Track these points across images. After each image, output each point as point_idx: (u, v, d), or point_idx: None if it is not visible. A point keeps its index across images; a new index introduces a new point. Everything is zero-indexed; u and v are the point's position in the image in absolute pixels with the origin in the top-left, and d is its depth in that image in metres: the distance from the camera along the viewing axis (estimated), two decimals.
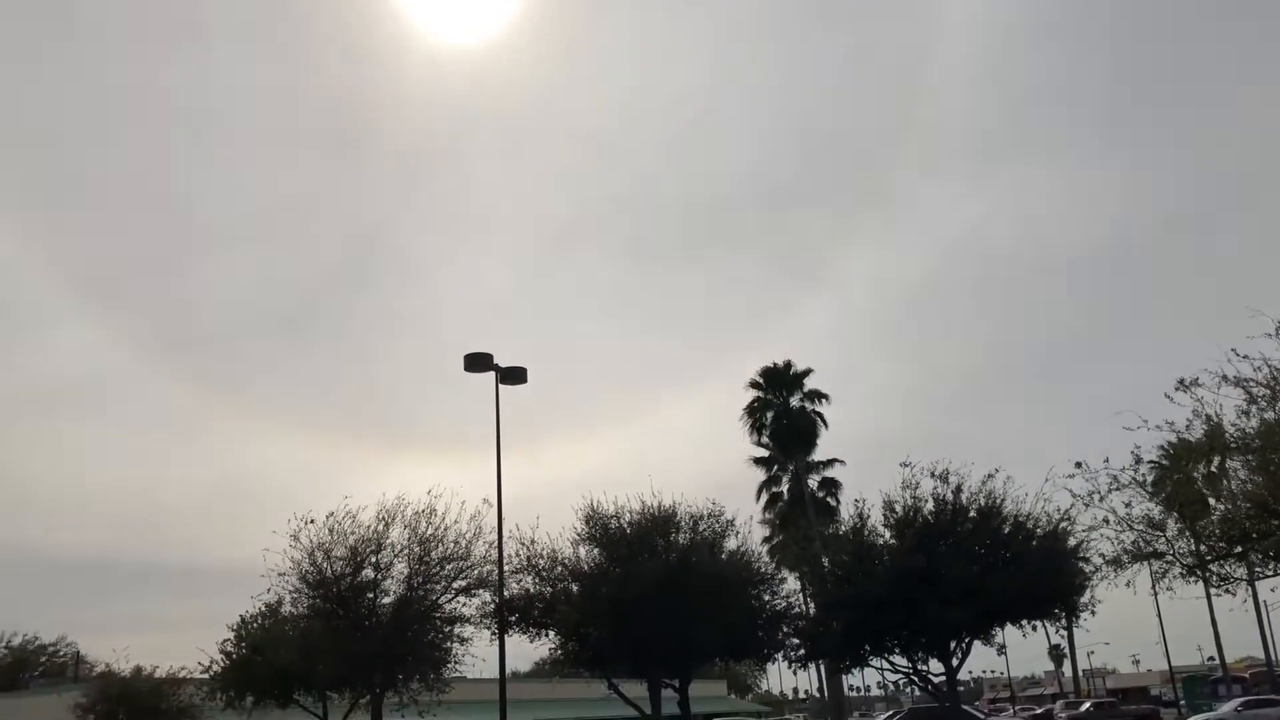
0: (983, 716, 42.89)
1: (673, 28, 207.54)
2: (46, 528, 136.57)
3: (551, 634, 27.57)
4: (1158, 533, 21.48)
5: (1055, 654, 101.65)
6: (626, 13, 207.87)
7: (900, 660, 26.82)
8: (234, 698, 31.22)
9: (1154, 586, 22.80)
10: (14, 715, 48.03)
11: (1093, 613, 25.99)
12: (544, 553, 27.42)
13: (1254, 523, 19.67)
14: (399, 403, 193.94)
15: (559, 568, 27.44)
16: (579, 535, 27.45)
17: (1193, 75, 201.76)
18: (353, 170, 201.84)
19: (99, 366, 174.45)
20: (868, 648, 26.62)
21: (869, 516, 26.52)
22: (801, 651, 28.70)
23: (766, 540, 45.61)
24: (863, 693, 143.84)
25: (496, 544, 26.36)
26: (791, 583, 30.27)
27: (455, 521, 27.01)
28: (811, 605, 29.52)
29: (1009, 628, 26.83)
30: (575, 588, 27.11)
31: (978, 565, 24.03)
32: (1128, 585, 22.47)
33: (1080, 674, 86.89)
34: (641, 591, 24.73)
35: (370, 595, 27.05)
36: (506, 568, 26.65)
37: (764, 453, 50.63)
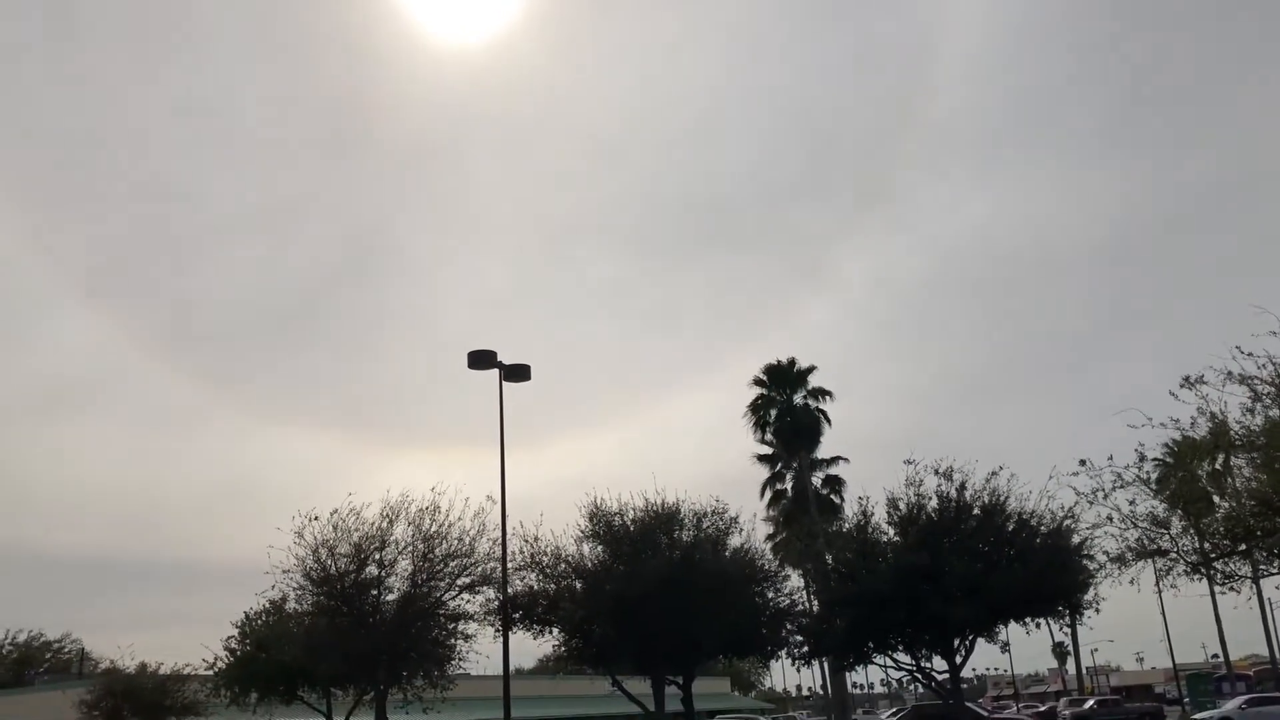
0: (986, 714, 42.84)
1: (674, 27, 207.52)
2: (49, 526, 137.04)
3: (555, 631, 27.57)
4: (1162, 530, 21.45)
5: (1059, 651, 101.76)
6: (628, 12, 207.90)
7: (904, 657, 26.80)
8: (238, 694, 31.31)
9: (1158, 584, 22.70)
10: (20, 711, 48.19)
11: (1096, 610, 25.95)
12: (548, 550, 27.43)
13: (1258, 520, 19.64)
14: (402, 400, 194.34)
15: (563, 565, 27.44)
16: (582, 532, 27.46)
17: (1195, 73, 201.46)
18: (354, 169, 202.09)
19: (101, 364, 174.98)
20: (871, 645, 26.59)
21: (873, 514, 26.49)
22: (805, 649, 28.66)
23: (770, 537, 45.60)
24: (866, 690, 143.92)
25: (500, 541, 26.40)
26: (795, 580, 30.25)
27: (459, 518, 27.09)
28: (815, 602, 29.50)
29: (1013, 625, 26.82)
30: (579, 585, 27.11)
31: (981, 563, 23.99)
32: (1131, 583, 22.44)
33: (1084, 671, 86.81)
34: (645, 589, 24.73)
35: (374, 592, 27.08)
36: (510, 565, 26.68)
37: (768, 450, 50.59)
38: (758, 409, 50.49)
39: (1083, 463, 21.67)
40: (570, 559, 27.48)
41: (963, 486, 25.24)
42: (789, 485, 49.99)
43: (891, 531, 26.08)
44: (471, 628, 27.85)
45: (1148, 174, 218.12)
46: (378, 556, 26.94)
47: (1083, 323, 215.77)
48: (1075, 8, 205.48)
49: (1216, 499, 21.44)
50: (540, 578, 27.54)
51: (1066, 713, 58.62)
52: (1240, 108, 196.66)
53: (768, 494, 50.20)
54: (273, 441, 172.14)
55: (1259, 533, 19.87)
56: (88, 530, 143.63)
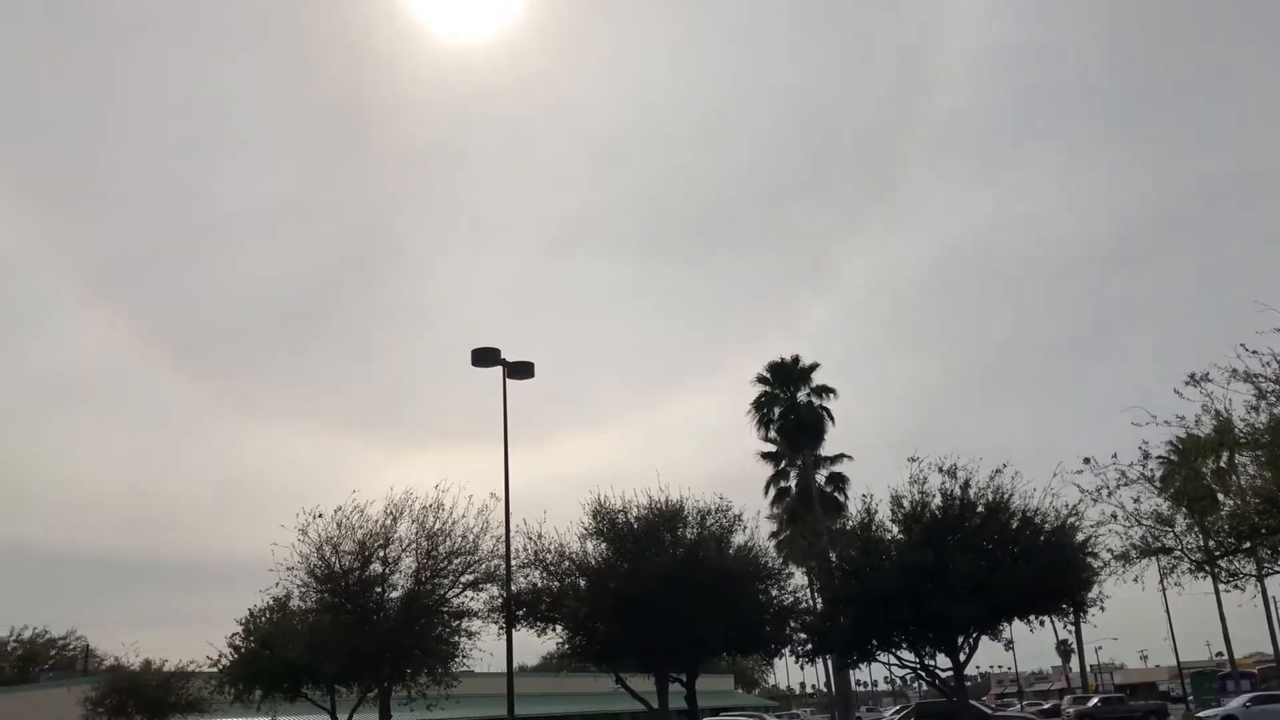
0: (990, 712, 42.81)
1: (675, 28, 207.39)
2: (53, 524, 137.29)
3: (559, 628, 27.59)
4: (1166, 528, 21.41)
5: (1063, 649, 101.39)
6: (629, 12, 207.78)
7: (907, 655, 26.78)
8: (242, 691, 31.30)
9: (1162, 582, 22.66)
10: (24, 708, 48.27)
11: (1101, 608, 25.94)
12: (551, 547, 27.45)
13: (1263, 518, 19.59)
14: (406, 398, 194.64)
15: (566, 562, 27.45)
16: (586, 530, 27.47)
17: (1196, 72, 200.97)
18: (356, 168, 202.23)
19: (104, 363, 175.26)
20: (875, 643, 26.58)
21: (876, 511, 26.46)
22: (808, 646, 28.66)
23: (774, 535, 45.70)
24: (870, 687, 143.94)
25: (504, 538, 26.43)
26: (799, 577, 30.27)
27: (463, 516, 27.09)
28: (819, 600, 29.50)
29: (1016, 623, 26.81)
30: (583, 582, 27.12)
31: (985, 560, 23.96)
32: (1136, 581, 22.40)
33: (1088, 669, 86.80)
34: (649, 586, 24.74)
35: (378, 589, 27.10)
36: (514, 562, 26.73)
37: (771, 448, 50.58)
38: (761, 407, 50.47)
39: (1087, 461, 21.64)
40: (574, 556, 27.49)
41: (967, 484, 25.21)
42: (793, 483, 50.00)
43: (895, 529, 26.06)
44: (475, 625, 27.89)
45: (1149, 172, 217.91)
46: (382, 554, 26.96)
47: (1085, 320, 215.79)
48: (1075, 7, 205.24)
49: (1221, 497, 21.38)
50: (544, 575, 27.55)
51: (1070, 711, 58.55)
52: (1243, 105, 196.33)
53: (771, 491, 50.24)
54: (276, 439, 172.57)
55: (1264, 530, 19.83)
56: (92, 528, 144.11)
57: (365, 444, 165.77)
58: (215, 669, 32.69)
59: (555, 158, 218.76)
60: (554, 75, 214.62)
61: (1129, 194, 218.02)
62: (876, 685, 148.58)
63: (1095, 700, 59.09)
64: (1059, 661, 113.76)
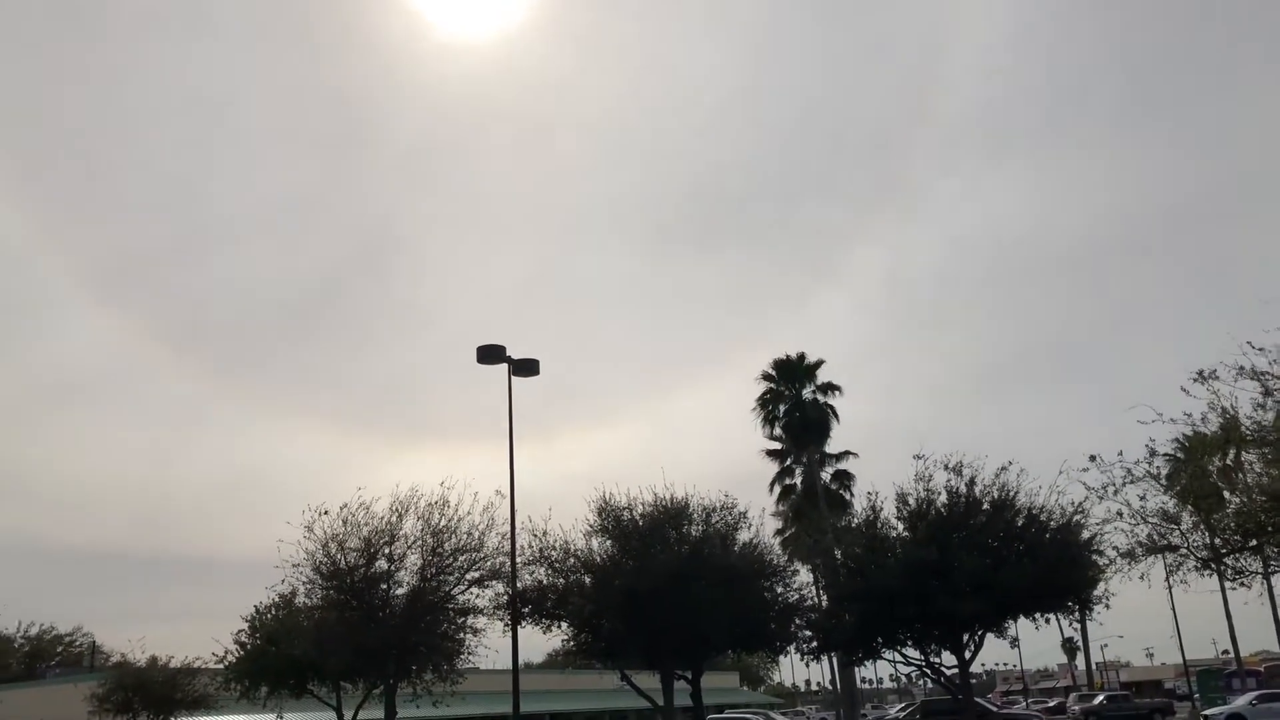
0: (995, 709, 42.77)
1: (685, 22, 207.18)
2: (61, 520, 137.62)
3: (564, 625, 27.58)
4: (1172, 526, 21.44)
5: (1068, 647, 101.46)
6: (638, 6, 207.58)
7: (913, 653, 26.73)
8: (248, 688, 31.36)
9: (1168, 580, 22.70)
10: (31, 704, 48.37)
11: (1106, 606, 25.87)
12: (556, 544, 27.42)
13: (1269, 516, 19.59)
14: (411, 395, 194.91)
15: (571, 559, 27.42)
16: (591, 527, 27.44)
17: (1207, 67, 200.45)
18: (363, 164, 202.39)
19: (111, 360, 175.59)
20: (880, 640, 26.55)
21: (882, 509, 26.42)
22: (814, 644, 28.65)
23: (779, 532, 45.62)
24: (875, 685, 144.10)
25: (509, 535, 26.46)
26: (804, 575, 30.21)
27: (468, 513, 27.10)
28: (824, 597, 29.46)
29: (1022, 620, 26.73)
30: (588, 579, 27.10)
31: (991, 558, 23.92)
32: (1142, 578, 22.45)
33: (1094, 667, 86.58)
34: (654, 583, 24.71)
35: (384, 586, 27.12)
36: (519, 559, 26.73)
37: (777, 445, 50.45)
38: (766, 404, 50.36)
39: (1093, 458, 21.70)
40: (579, 553, 27.47)
41: (972, 481, 25.15)
42: (798, 480, 49.90)
43: (900, 527, 26.02)
44: (480, 622, 27.89)
45: (1158, 169, 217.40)
46: (387, 551, 26.97)
47: (1094, 317, 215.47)
48: (1086, 4, 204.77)
49: (1227, 494, 21.39)
50: (549, 572, 27.54)
51: (1076, 708, 58.50)
52: (1252, 101, 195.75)
53: (776, 489, 50.12)
54: (281, 436, 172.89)
55: (1270, 528, 19.83)
56: (98, 525, 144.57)
57: (370, 441, 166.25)
58: (221, 665, 32.77)
59: (561, 153, 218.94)
60: (560, 71, 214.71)
61: (1138, 190, 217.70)
62: (882, 683, 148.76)
63: (1100, 698, 58.98)
64: (1064, 659, 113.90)
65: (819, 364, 50.52)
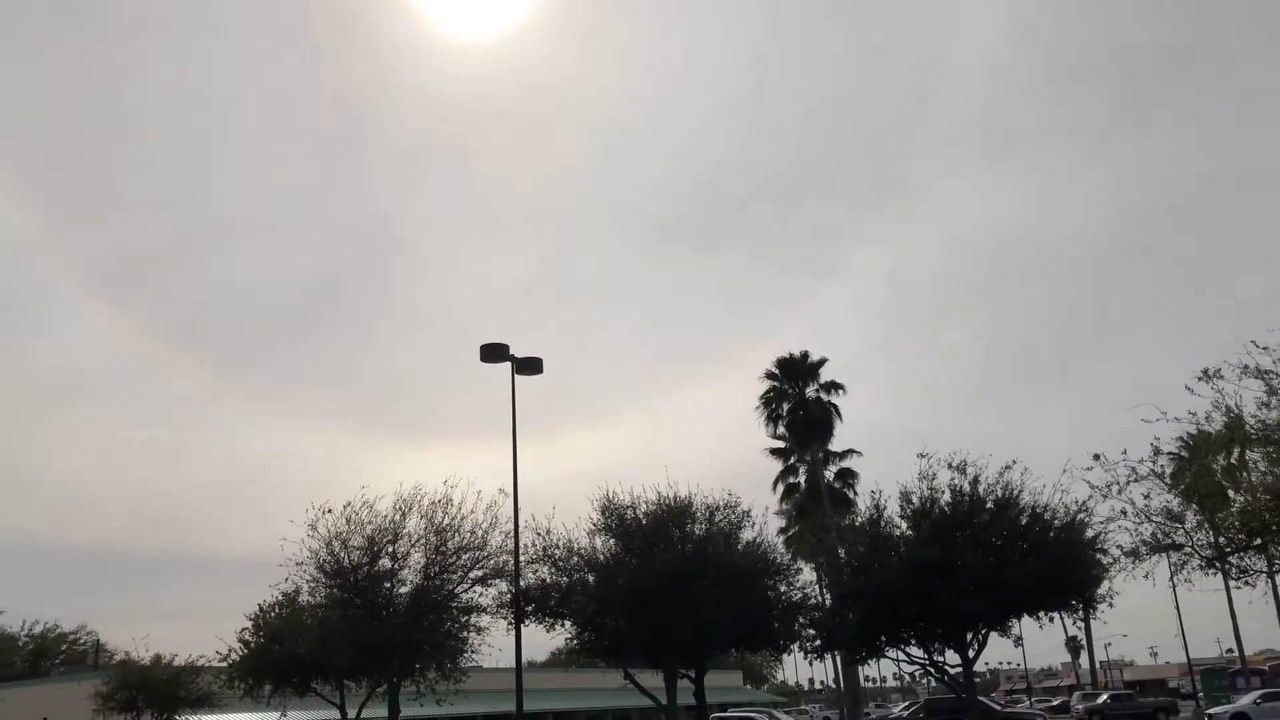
0: (999, 708, 42.76)
1: (686, 21, 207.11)
2: (64, 519, 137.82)
3: (567, 624, 27.60)
4: (1176, 524, 21.36)
5: (1072, 646, 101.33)
6: (641, 7, 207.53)
7: (916, 651, 26.76)
8: (252, 686, 31.40)
9: (1172, 579, 22.61)
10: (36, 702, 48.48)
11: (1110, 605, 25.88)
12: (560, 543, 27.44)
13: (1274, 515, 19.52)
14: (414, 394, 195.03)
15: (575, 558, 27.44)
16: (595, 525, 27.45)
17: (1210, 65, 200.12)
18: (365, 163, 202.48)
19: (113, 359, 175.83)
20: (884, 639, 26.56)
21: (885, 507, 26.44)
22: (817, 642, 28.67)
23: (783, 531, 45.62)
24: (879, 684, 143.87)
25: (512, 534, 26.45)
26: (807, 573, 30.24)
27: (471, 511, 27.11)
28: (827, 596, 29.47)
29: (1026, 619, 26.73)
30: (591, 578, 27.11)
31: (994, 556, 23.91)
32: (1146, 577, 22.36)
33: (1097, 666, 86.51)
34: (657, 582, 24.72)
35: (387, 585, 27.13)
36: (523, 558, 26.74)
37: (780, 444, 50.40)
38: (770, 402, 50.32)
39: (1097, 457, 21.60)
40: (582, 552, 27.49)
41: (976, 480, 25.16)
42: (801, 479, 49.84)
43: (904, 525, 26.02)
44: (484, 620, 27.92)
45: (1162, 167, 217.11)
46: (390, 549, 26.98)
47: (1097, 316, 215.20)
48: (1087, 1, 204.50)
49: (1231, 493, 21.32)
50: (552, 571, 27.56)
51: (1080, 707, 58.44)
52: (1257, 99, 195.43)
53: (780, 487, 50.07)
54: (284, 435, 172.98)
55: (1274, 527, 19.76)
56: (102, 524, 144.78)
57: (373, 440, 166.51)
58: (225, 664, 32.80)
59: (562, 153, 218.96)
60: (562, 71, 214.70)
61: (1139, 189, 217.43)
62: (885, 681, 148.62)
63: (1105, 697, 58.90)
64: (1068, 658, 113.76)
65: (822, 362, 50.50)
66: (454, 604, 27.74)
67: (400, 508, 26.95)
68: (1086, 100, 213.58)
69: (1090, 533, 24.43)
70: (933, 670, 27.34)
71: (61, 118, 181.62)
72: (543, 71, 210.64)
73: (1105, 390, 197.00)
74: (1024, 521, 24.84)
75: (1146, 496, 21.30)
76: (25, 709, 47.66)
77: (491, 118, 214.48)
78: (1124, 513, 21.66)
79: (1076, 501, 24.32)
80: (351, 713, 30.25)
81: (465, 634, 27.97)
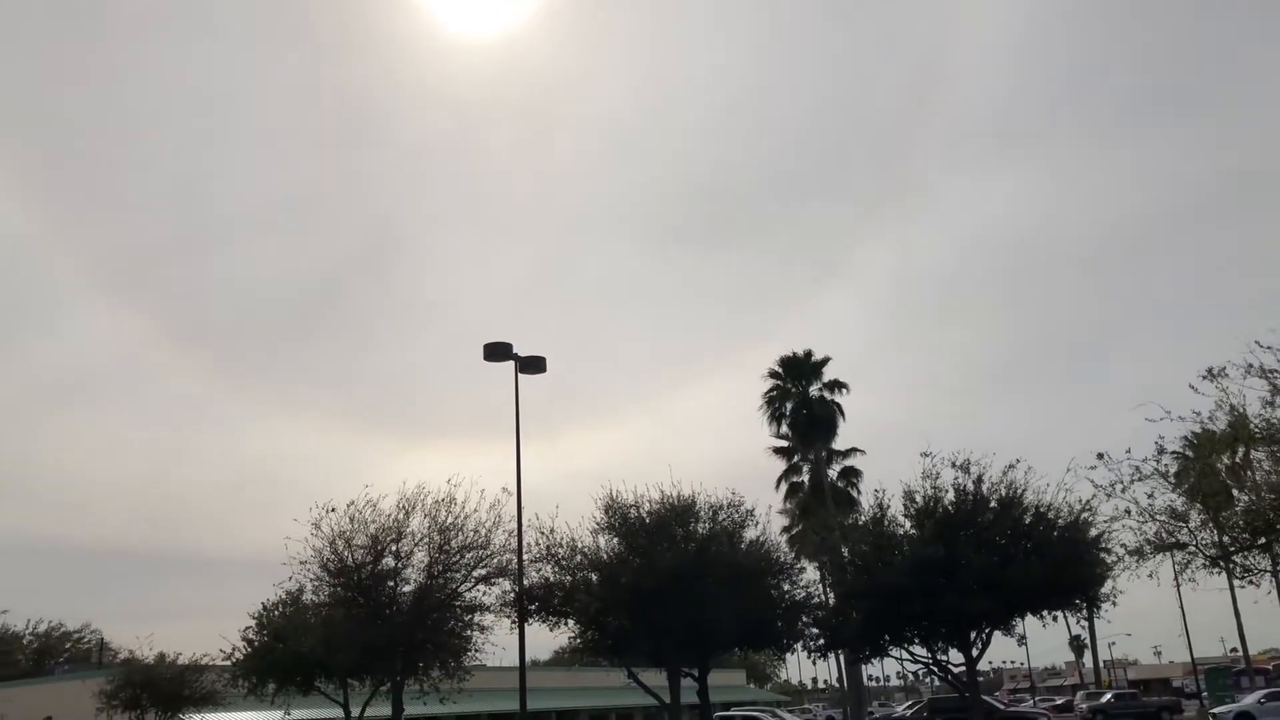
0: (1003, 707, 42.73)
1: (693, 20, 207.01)
2: (68, 518, 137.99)
3: (571, 623, 27.59)
4: (1180, 524, 21.37)
5: (1076, 645, 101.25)
6: (643, 6, 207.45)
7: (920, 650, 26.71)
8: (256, 684, 31.45)
9: (1176, 578, 22.61)
10: (40, 701, 48.52)
11: (1114, 604, 25.82)
12: (563, 542, 27.44)
13: (1278, 514, 19.52)
14: (417, 393, 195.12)
15: (578, 557, 27.44)
16: (598, 524, 27.44)
17: (1217, 64, 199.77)
18: (369, 162, 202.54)
19: (117, 358, 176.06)
20: (887, 638, 26.52)
21: (889, 506, 26.39)
22: (820, 641, 28.63)
23: (786, 530, 45.53)
24: (882, 683, 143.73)
25: (516, 532, 26.46)
26: (811, 572, 30.20)
27: (475, 510, 27.18)
28: (831, 595, 29.45)
29: (1029, 618, 26.69)
30: (594, 577, 27.11)
31: (998, 555, 23.87)
32: (1150, 576, 22.38)
33: (1101, 665, 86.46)
34: (660, 581, 24.71)
35: (391, 583, 27.18)
36: (526, 556, 26.76)
37: (783, 443, 50.31)
38: (773, 401, 50.23)
39: (1101, 456, 21.62)
40: (586, 551, 27.48)
41: (980, 479, 25.12)
42: (805, 478, 49.75)
43: (908, 524, 25.98)
44: (487, 619, 27.99)
45: (1167, 167, 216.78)
46: (394, 548, 27.03)
47: (1101, 314, 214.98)
48: (1095, 1, 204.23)
49: (1236, 492, 21.31)
50: (556, 569, 27.56)
51: (1083, 706, 58.34)
52: (1263, 98, 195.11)
53: (783, 486, 49.98)
54: (288, 434, 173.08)
55: (1279, 526, 19.75)
56: (105, 523, 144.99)
57: (376, 439, 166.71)
58: (229, 662, 32.84)
59: (567, 151, 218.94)
60: (566, 70, 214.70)
61: (1145, 188, 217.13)
62: (889, 680, 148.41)
63: (1108, 696, 58.80)
64: (1072, 657, 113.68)
65: (826, 361, 50.40)
66: (457, 603, 27.77)
67: (404, 506, 27.04)
68: (1092, 99, 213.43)
69: (1094, 532, 24.39)
70: (936, 669, 27.31)
71: (64, 118, 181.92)
72: (545, 71, 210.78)
73: (1109, 389, 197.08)
74: (1028, 520, 24.80)
75: (1150, 495, 21.33)
76: (30, 708, 47.70)
77: (494, 117, 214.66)
78: (1128, 512, 21.69)
79: (1080, 500, 24.31)
80: (355, 711, 30.28)
81: (469, 633, 28.03)
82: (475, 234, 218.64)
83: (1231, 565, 21.64)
